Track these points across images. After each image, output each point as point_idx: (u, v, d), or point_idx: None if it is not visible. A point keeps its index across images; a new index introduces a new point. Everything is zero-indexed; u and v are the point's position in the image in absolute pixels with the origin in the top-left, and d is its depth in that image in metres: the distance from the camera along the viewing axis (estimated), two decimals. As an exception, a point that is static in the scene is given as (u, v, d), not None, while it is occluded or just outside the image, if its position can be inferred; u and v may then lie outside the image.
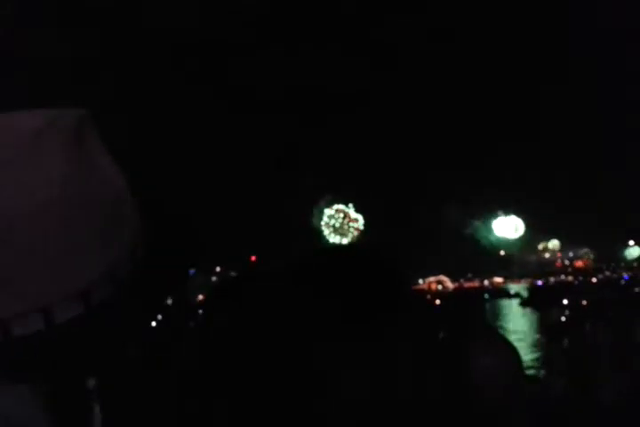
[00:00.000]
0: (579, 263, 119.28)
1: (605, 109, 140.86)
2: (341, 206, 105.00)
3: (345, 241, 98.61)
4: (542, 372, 7.86)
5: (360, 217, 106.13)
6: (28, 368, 0.61)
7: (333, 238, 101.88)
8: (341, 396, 0.62)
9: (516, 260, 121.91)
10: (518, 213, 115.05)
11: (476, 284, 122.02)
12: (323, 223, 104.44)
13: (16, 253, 0.60)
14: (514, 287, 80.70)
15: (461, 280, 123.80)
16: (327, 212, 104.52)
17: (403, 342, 0.63)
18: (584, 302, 27.37)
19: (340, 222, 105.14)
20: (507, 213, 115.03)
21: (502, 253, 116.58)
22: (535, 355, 18.05)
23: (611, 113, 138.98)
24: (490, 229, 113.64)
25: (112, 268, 0.66)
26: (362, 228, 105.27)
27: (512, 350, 1.43)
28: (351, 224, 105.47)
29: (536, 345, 21.60)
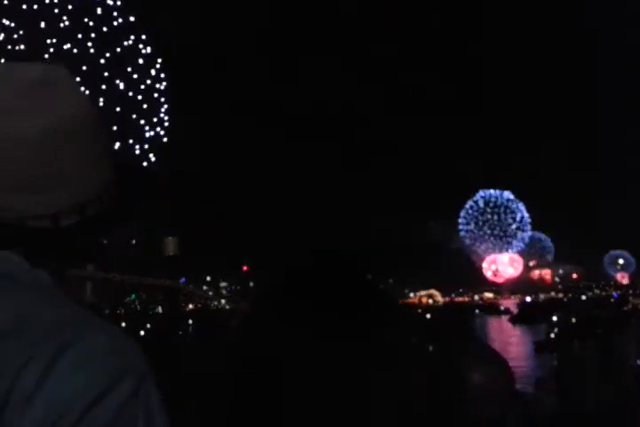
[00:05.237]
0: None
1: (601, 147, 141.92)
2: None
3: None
4: (532, 388, 7.96)
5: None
6: (67, 252, 0.74)
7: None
8: (342, 396, 0.63)
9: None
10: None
11: (466, 299, 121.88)
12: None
13: (67, 156, 0.68)
14: (504, 303, 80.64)
15: (452, 295, 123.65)
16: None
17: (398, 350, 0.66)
18: (573, 320, 27.50)
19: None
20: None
21: (493, 268, 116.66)
22: (525, 371, 18.14)
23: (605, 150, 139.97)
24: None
25: (102, 188, 0.73)
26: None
27: (503, 366, 1.53)
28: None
29: (526, 361, 21.68)
